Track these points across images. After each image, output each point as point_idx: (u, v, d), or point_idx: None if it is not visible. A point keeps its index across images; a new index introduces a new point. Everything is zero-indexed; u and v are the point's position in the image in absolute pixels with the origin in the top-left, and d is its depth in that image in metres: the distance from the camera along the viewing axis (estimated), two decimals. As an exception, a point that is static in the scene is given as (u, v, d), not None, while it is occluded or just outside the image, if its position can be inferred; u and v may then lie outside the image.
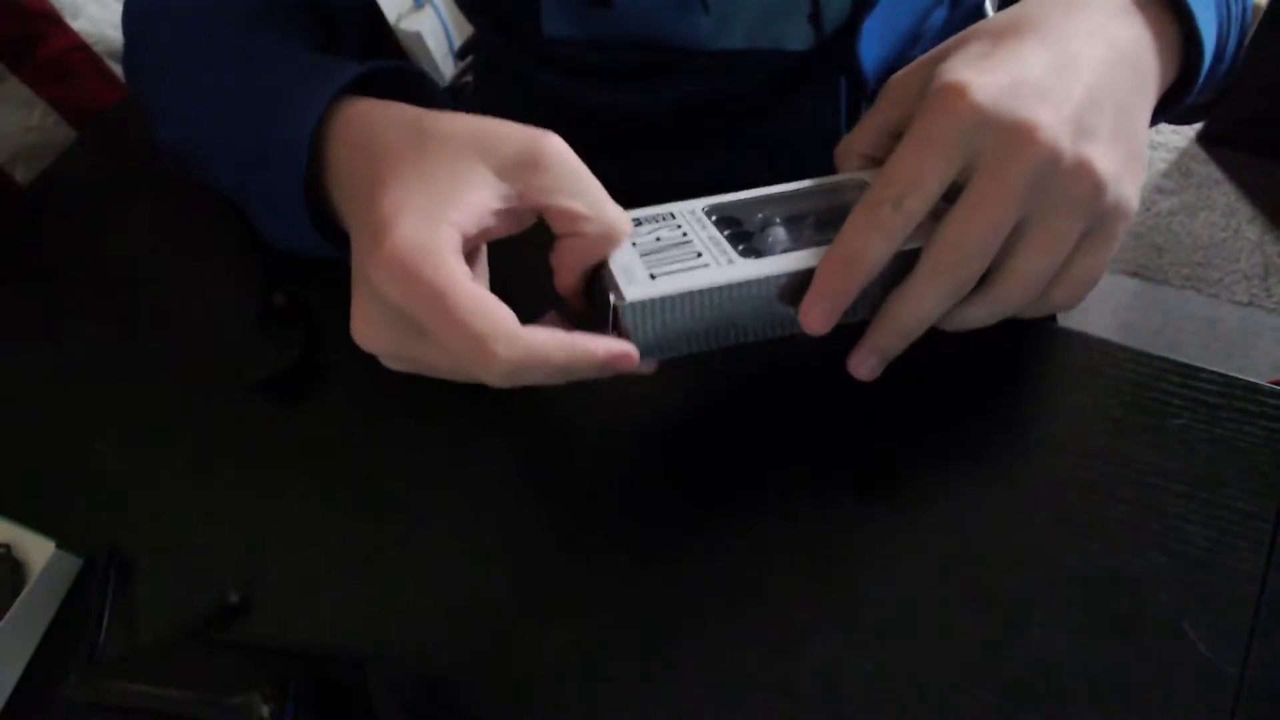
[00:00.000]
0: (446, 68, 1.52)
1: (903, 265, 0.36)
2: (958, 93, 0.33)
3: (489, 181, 0.35)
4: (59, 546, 0.44)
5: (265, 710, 0.34)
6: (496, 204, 0.35)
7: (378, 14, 0.75)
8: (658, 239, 0.38)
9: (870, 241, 0.34)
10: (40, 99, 0.70)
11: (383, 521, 0.45)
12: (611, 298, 0.35)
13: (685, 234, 0.39)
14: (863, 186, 0.41)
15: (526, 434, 0.47)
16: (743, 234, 0.39)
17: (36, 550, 0.45)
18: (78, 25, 0.71)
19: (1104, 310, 1.45)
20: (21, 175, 0.68)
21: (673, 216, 0.40)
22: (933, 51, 0.38)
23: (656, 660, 0.40)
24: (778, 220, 0.39)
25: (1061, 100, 0.34)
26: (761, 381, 0.46)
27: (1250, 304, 1.45)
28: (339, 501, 0.46)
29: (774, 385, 0.46)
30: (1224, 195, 1.55)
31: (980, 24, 0.38)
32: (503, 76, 0.68)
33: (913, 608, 0.40)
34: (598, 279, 0.38)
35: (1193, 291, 1.47)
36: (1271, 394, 0.42)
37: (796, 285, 0.36)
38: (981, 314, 0.38)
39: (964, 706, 0.37)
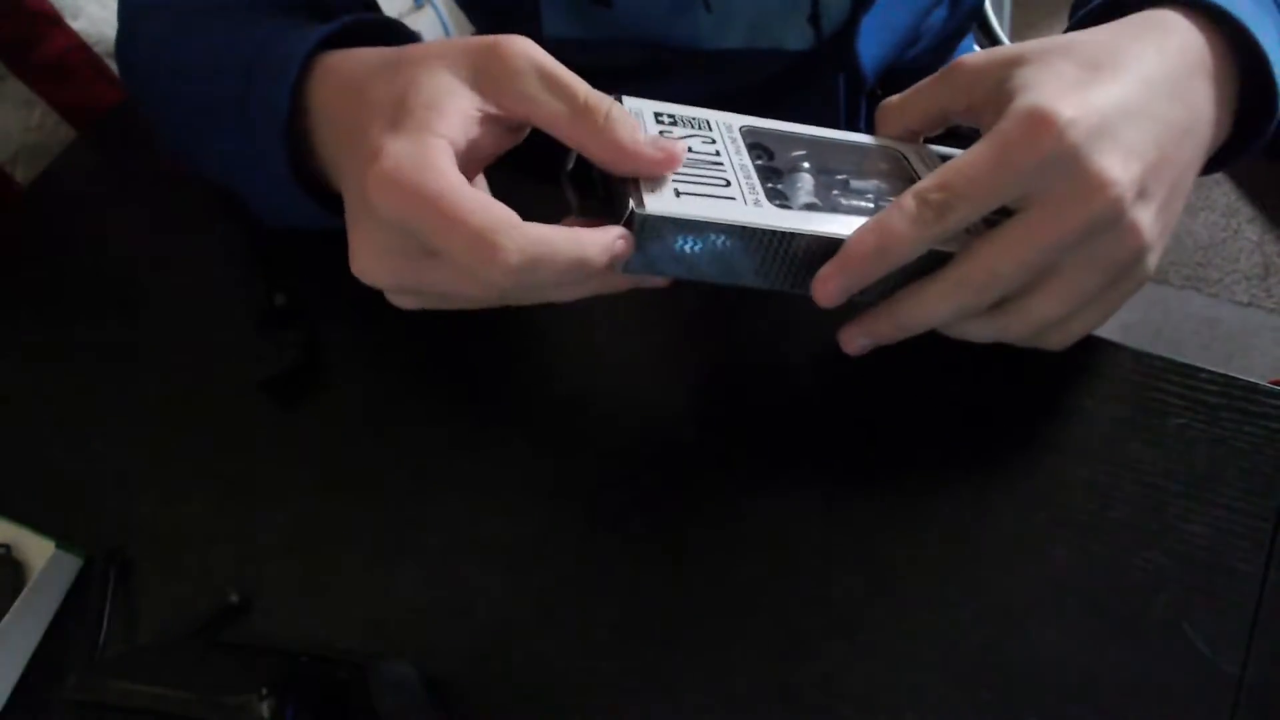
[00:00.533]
0: (446, 68, 1.52)
1: (923, 263, 0.36)
2: (1048, 123, 0.32)
3: (463, 91, 0.34)
4: (59, 546, 0.44)
5: (265, 710, 0.34)
6: (475, 111, 0.34)
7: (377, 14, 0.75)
8: (690, 149, 0.36)
9: (907, 236, 0.34)
10: (40, 99, 0.70)
11: (383, 521, 0.45)
12: (631, 202, 0.33)
13: (718, 153, 0.37)
14: (898, 158, 0.40)
15: (527, 434, 0.47)
16: (772, 170, 0.38)
17: (36, 550, 0.45)
18: (78, 25, 0.71)
19: (1104, 310, 1.45)
20: (21, 175, 0.68)
21: (709, 127, 0.38)
22: (1011, 50, 0.36)
23: (656, 661, 0.40)
24: (807, 166, 0.38)
25: (1136, 158, 0.33)
26: (762, 382, 0.46)
27: (1250, 304, 1.45)
28: (339, 501, 0.46)
29: (774, 386, 0.46)
30: (1224, 195, 1.55)
31: (1068, 41, 0.36)
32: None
33: (913, 608, 0.40)
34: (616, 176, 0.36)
35: (1193, 291, 1.47)
36: (1271, 394, 0.42)
37: (816, 249, 0.35)
38: (978, 332, 0.37)
39: (964, 706, 0.37)
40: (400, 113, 0.33)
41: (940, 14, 0.60)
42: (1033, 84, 0.34)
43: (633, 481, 0.44)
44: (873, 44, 0.54)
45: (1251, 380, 0.43)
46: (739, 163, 0.37)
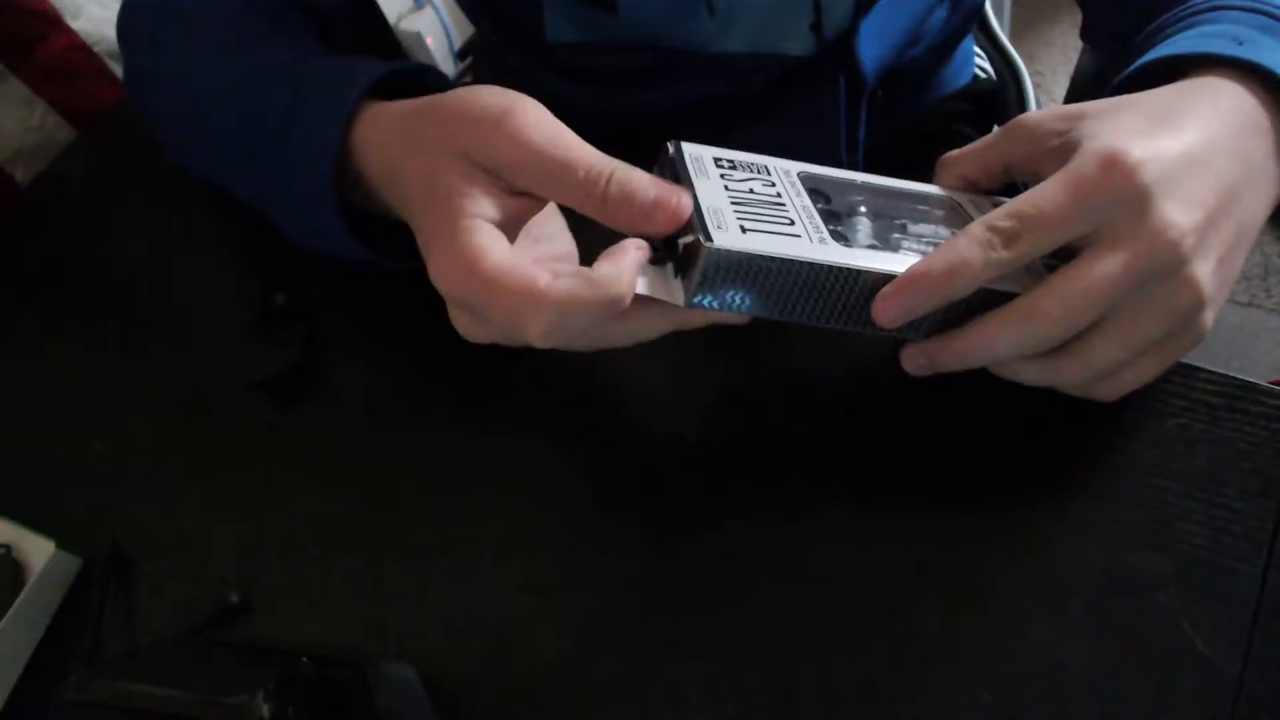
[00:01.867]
0: (447, 68, 1.52)
1: (982, 302, 0.36)
2: (1120, 162, 0.33)
3: (481, 176, 0.36)
4: (59, 546, 0.44)
5: (265, 710, 0.34)
6: (500, 191, 0.36)
7: (377, 14, 0.75)
8: (751, 190, 0.37)
9: (976, 261, 0.34)
10: (40, 99, 0.70)
11: (383, 521, 0.45)
12: (699, 237, 0.34)
13: (779, 194, 0.38)
14: (954, 207, 0.41)
15: (527, 434, 0.47)
16: (831, 213, 0.38)
17: (36, 550, 0.45)
18: (78, 25, 0.71)
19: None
20: (21, 175, 0.68)
21: (767, 171, 0.39)
22: (1074, 108, 0.37)
23: (656, 660, 0.40)
24: (864, 210, 0.39)
25: (1199, 207, 0.34)
26: (763, 381, 0.46)
27: (1250, 304, 1.44)
28: (339, 501, 0.46)
29: (775, 385, 0.46)
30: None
31: (1128, 99, 0.37)
32: (503, 77, 0.68)
33: (912, 608, 0.40)
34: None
35: (1193, 291, 1.47)
36: (1271, 394, 0.42)
37: (880, 285, 0.35)
38: (1033, 375, 0.37)
39: (964, 706, 0.37)
40: (432, 201, 0.37)
41: (940, 15, 0.60)
42: (1099, 132, 0.35)
43: (633, 481, 0.44)
44: (873, 46, 0.54)
45: (1251, 380, 0.43)
46: (800, 204, 0.37)
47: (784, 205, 0.37)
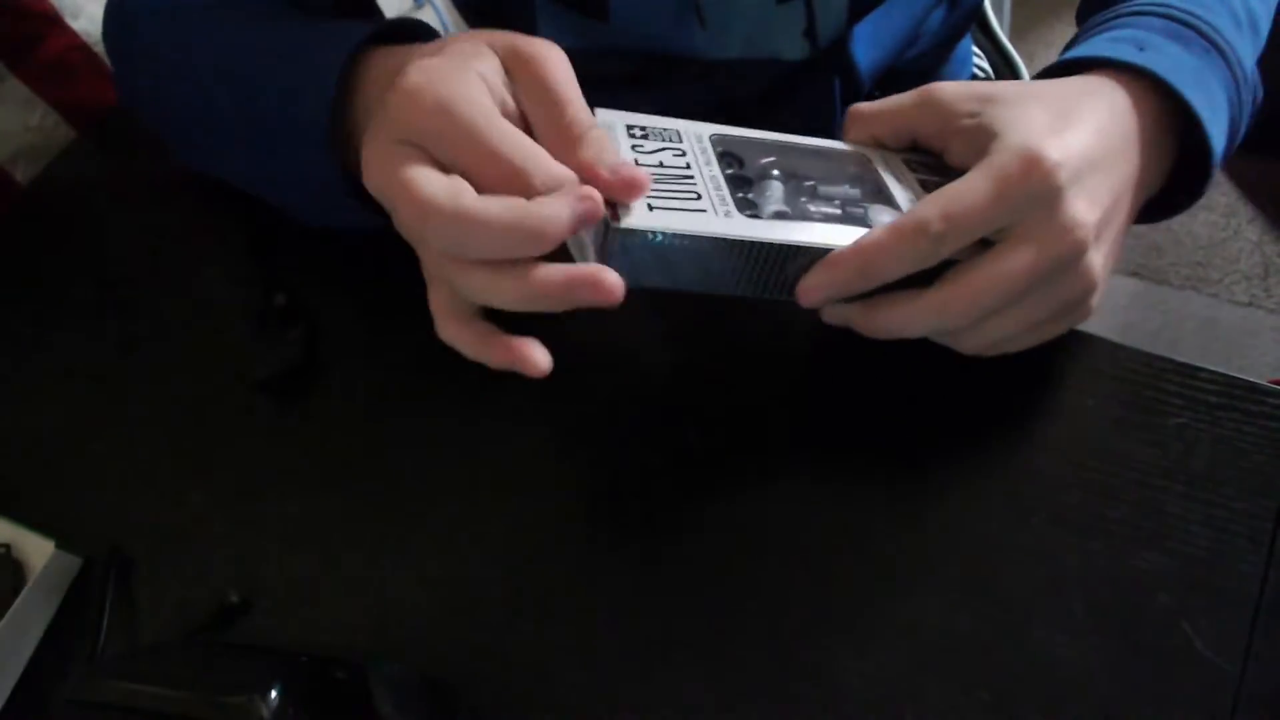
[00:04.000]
0: (446, 68, 1.52)
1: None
2: (1039, 163, 0.35)
3: (495, 61, 0.37)
4: (59, 546, 0.44)
5: (265, 710, 0.34)
6: (501, 80, 0.37)
7: (376, 13, 0.75)
8: (660, 162, 0.37)
9: (898, 258, 0.36)
10: (40, 99, 0.70)
11: (383, 521, 0.45)
12: (606, 215, 0.35)
13: (688, 165, 0.38)
14: (864, 161, 0.41)
15: (527, 434, 0.47)
16: (742, 179, 0.39)
17: (36, 550, 0.45)
18: (78, 25, 0.71)
19: (1104, 310, 1.45)
20: (21, 175, 0.68)
21: (679, 138, 0.39)
22: (984, 88, 0.39)
23: (656, 661, 0.40)
24: (776, 173, 0.39)
25: (1098, 205, 0.37)
26: (764, 384, 0.46)
27: (1250, 304, 1.44)
28: (339, 501, 0.46)
29: (776, 388, 0.46)
30: (1224, 195, 1.55)
31: (1034, 89, 0.39)
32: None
33: (913, 608, 0.40)
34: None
35: (1193, 291, 1.47)
36: (1271, 394, 0.42)
37: (786, 256, 0.37)
38: (930, 334, 0.39)
39: (964, 706, 0.37)
40: (439, 50, 0.36)
41: (939, 15, 0.60)
42: (1013, 124, 0.37)
43: (633, 481, 0.44)
44: (869, 49, 0.54)
45: (1251, 380, 0.43)
46: (709, 174, 0.38)
47: (692, 178, 0.37)
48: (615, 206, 0.35)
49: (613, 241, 0.35)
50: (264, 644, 0.42)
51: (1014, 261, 0.35)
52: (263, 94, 0.45)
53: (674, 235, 0.35)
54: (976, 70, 0.75)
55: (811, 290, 0.37)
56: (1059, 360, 0.43)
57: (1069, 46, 0.46)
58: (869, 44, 0.54)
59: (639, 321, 0.49)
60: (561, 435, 0.46)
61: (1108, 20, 0.45)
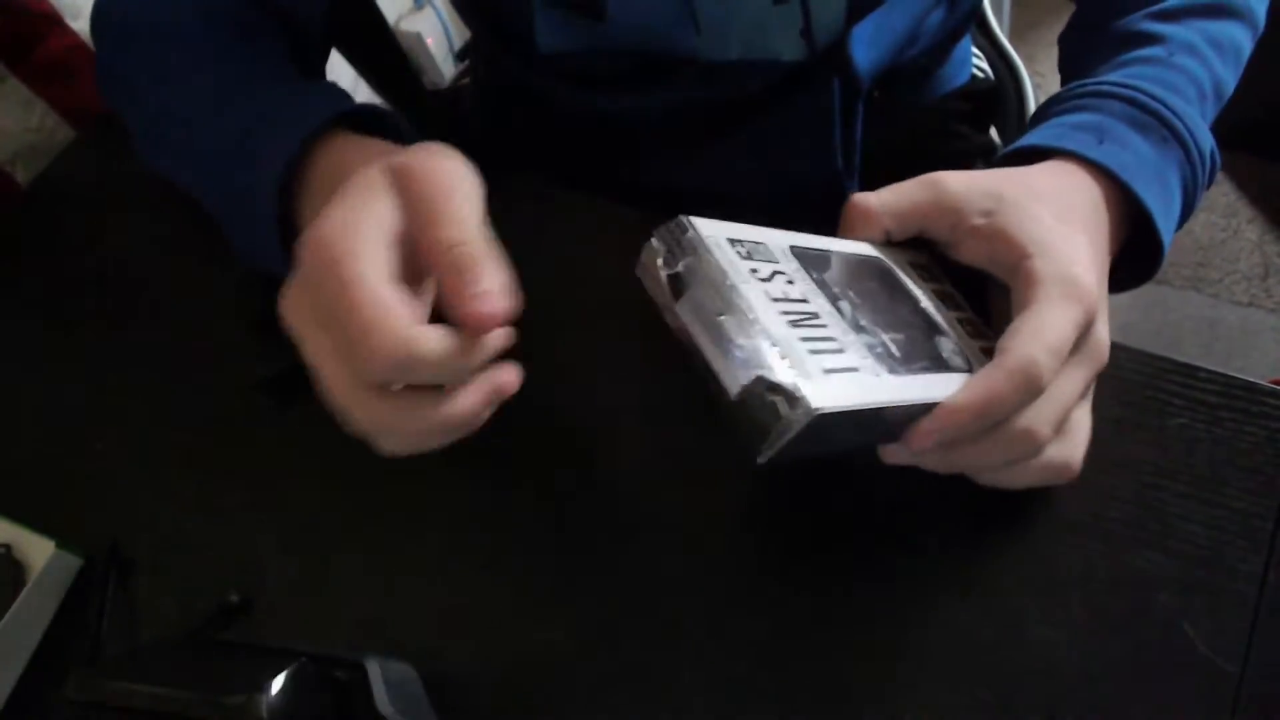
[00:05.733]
0: (447, 69, 1.52)
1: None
2: (1086, 292, 0.37)
3: (394, 206, 0.35)
4: (59, 546, 0.44)
5: (265, 710, 0.34)
6: (401, 226, 0.35)
7: (376, 15, 0.75)
8: (784, 295, 0.32)
9: (1017, 403, 0.35)
10: (40, 99, 0.69)
11: (382, 521, 0.45)
12: (793, 387, 0.29)
13: (805, 296, 0.33)
14: (887, 271, 0.39)
15: (527, 435, 0.47)
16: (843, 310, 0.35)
17: (36, 550, 0.45)
18: (78, 25, 0.71)
19: (1104, 310, 1.45)
20: (21, 175, 0.68)
21: (774, 254, 0.34)
22: (991, 184, 0.40)
23: (655, 660, 0.40)
24: (852, 293, 0.36)
25: (1095, 276, 0.39)
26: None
27: (1250, 304, 1.44)
28: (339, 501, 0.46)
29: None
30: (1224, 196, 1.55)
31: (1032, 188, 0.40)
32: (501, 79, 0.68)
33: (912, 608, 0.40)
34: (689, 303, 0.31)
35: (1193, 292, 1.47)
36: (1271, 394, 0.42)
37: (921, 411, 0.34)
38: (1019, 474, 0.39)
39: (964, 706, 0.37)
40: (339, 207, 0.35)
41: (938, 15, 0.60)
42: (1028, 229, 0.38)
43: (633, 482, 0.44)
44: (867, 50, 0.54)
45: (1251, 380, 0.43)
46: (826, 309, 0.34)
47: (817, 315, 0.32)
48: (783, 378, 0.29)
49: (795, 420, 0.29)
50: (264, 644, 0.42)
51: (1055, 316, 0.36)
52: (214, 174, 0.45)
53: (852, 409, 0.30)
54: (976, 71, 0.75)
55: (925, 436, 0.35)
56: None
57: (1035, 120, 0.48)
58: (868, 44, 0.54)
59: (639, 324, 0.49)
60: (562, 436, 0.46)
61: (1075, 97, 0.46)
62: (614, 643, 0.41)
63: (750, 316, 0.30)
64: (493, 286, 0.34)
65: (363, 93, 0.69)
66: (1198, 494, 0.40)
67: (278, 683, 0.35)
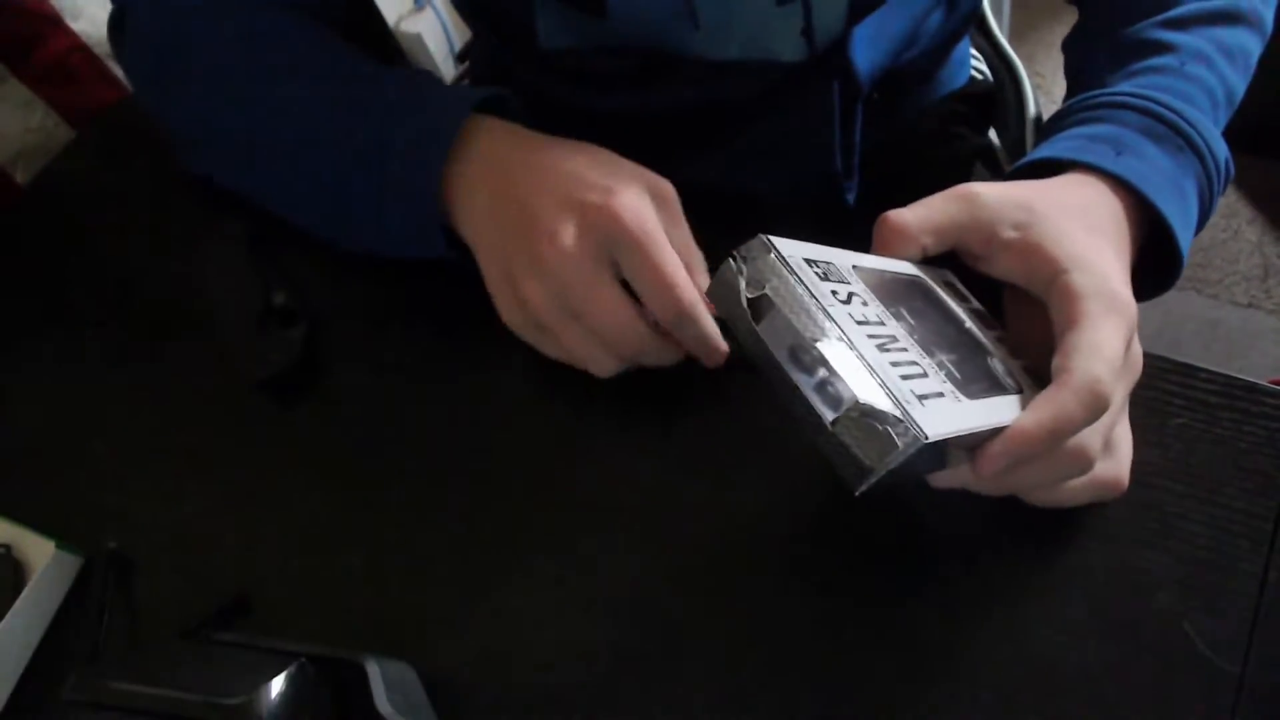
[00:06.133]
0: (447, 69, 1.52)
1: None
2: (1125, 301, 0.37)
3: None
4: (59, 546, 0.44)
5: (265, 710, 0.34)
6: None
7: (376, 15, 0.75)
8: (865, 318, 0.32)
9: (1084, 422, 0.35)
10: (40, 100, 0.70)
11: (382, 520, 0.45)
12: (914, 424, 0.28)
13: (880, 319, 0.33)
14: (928, 291, 0.39)
15: (527, 435, 0.47)
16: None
17: (36, 550, 0.45)
18: (78, 26, 0.71)
19: (1104, 311, 1.45)
20: (21, 175, 0.68)
21: (844, 275, 0.34)
22: (1021, 195, 0.40)
23: (655, 660, 0.40)
24: (905, 313, 0.35)
25: (1127, 287, 0.39)
26: (761, 387, 0.46)
27: (1250, 305, 1.44)
28: (339, 501, 0.46)
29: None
30: (1224, 196, 1.55)
31: (1059, 201, 0.41)
32: (501, 79, 0.68)
33: (913, 608, 0.40)
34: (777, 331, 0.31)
35: (1193, 292, 1.47)
36: (1271, 394, 0.42)
37: (992, 435, 0.33)
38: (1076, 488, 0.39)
39: (964, 706, 0.37)
40: (619, 173, 0.43)
41: (937, 17, 0.60)
42: (1061, 244, 0.38)
43: (633, 482, 0.44)
44: (868, 52, 0.54)
45: (1251, 380, 0.43)
46: (902, 333, 0.33)
47: (896, 338, 0.32)
48: (899, 409, 0.29)
49: (906, 448, 0.28)
50: (264, 644, 0.42)
51: (1108, 332, 0.36)
52: (359, 151, 0.47)
53: (953, 436, 0.29)
54: (974, 73, 0.75)
55: (995, 460, 0.34)
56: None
57: (1048, 130, 0.47)
58: (868, 46, 0.54)
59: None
60: (563, 436, 0.46)
61: (1089, 108, 0.46)
62: (615, 644, 0.41)
63: (843, 343, 0.30)
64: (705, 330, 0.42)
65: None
66: (1198, 494, 0.41)
67: (277, 683, 0.35)
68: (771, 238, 0.32)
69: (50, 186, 0.63)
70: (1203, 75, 0.46)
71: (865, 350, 0.30)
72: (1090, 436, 0.36)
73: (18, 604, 0.43)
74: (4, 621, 0.42)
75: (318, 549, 0.45)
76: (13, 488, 0.49)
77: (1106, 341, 0.36)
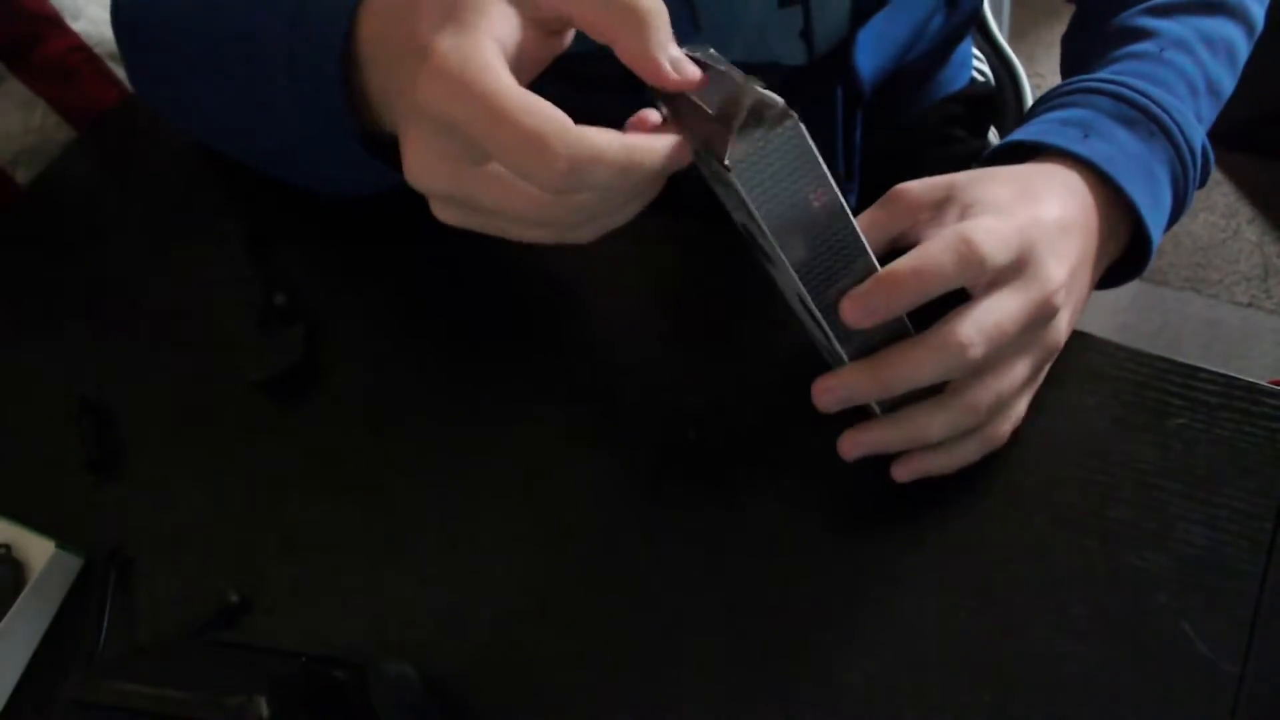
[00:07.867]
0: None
1: (885, 338, 0.38)
2: (1039, 265, 0.38)
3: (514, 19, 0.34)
4: (59, 546, 0.44)
5: (265, 710, 0.34)
6: (517, 15, 0.34)
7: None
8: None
9: (947, 280, 0.36)
10: (40, 100, 0.70)
11: (382, 521, 0.45)
12: (746, 85, 0.34)
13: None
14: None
15: (527, 435, 0.47)
16: None
17: (36, 550, 0.45)
18: (78, 26, 0.71)
19: (1104, 310, 1.45)
20: (21, 176, 0.68)
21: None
22: (944, 179, 0.41)
23: (655, 660, 0.40)
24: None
25: (1065, 265, 0.39)
26: (763, 384, 0.46)
27: (1250, 305, 1.44)
28: (339, 501, 0.46)
29: (775, 387, 0.46)
30: (1224, 196, 1.55)
31: (991, 172, 0.41)
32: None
33: (913, 608, 0.40)
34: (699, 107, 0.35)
35: (1193, 293, 1.47)
36: (1271, 394, 0.42)
37: (858, 253, 0.36)
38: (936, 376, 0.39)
39: (964, 706, 0.37)
40: (448, 16, 0.33)
41: (939, 19, 0.60)
42: (978, 195, 0.39)
43: (633, 482, 0.44)
44: (871, 56, 0.54)
45: (1251, 380, 0.43)
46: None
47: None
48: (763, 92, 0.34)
49: (762, 114, 0.34)
50: (264, 644, 0.42)
51: (1006, 303, 0.37)
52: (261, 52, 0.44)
53: (818, 161, 0.35)
54: (975, 74, 0.75)
55: (859, 299, 0.36)
56: (1059, 361, 0.43)
57: (1026, 117, 0.48)
58: (872, 51, 0.54)
59: (639, 324, 0.49)
60: (562, 435, 0.46)
61: (1064, 94, 0.46)
62: (614, 644, 0.41)
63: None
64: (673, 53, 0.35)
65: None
66: (1198, 494, 0.40)
67: (277, 683, 0.35)
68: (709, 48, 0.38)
69: (50, 186, 0.63)
70: (1181, 63, 0.46)
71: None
72: (981, 393, 0.38)
73: (18, 604, 0.43)
74: (4, 621, 0.42)
75: (318, 549, 0.45)
76: (13, 488, 0.49)
77: (994, 226, 0.36)
